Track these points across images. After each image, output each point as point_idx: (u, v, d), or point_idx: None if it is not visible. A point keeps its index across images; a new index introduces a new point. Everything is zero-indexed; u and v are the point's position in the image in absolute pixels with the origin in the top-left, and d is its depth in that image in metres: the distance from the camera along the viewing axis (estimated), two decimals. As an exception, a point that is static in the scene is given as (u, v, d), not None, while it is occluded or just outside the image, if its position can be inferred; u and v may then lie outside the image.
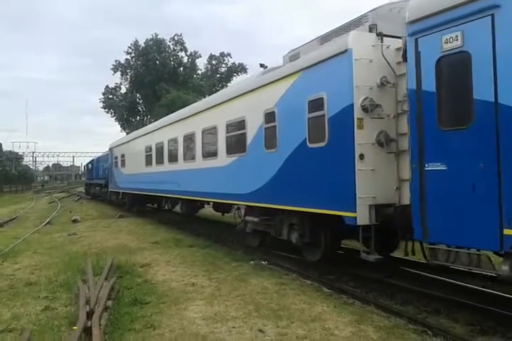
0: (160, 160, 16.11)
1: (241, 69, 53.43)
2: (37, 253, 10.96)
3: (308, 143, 7.66)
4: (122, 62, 53.49)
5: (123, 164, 22.39)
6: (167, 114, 19.79)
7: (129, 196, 22.01)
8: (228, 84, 50.81)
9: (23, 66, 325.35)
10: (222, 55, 54.12)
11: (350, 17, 7.87)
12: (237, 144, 10.32)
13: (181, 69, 53.11)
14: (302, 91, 7.81)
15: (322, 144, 7.31)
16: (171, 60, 52.36)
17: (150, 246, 11.77)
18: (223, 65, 54.43)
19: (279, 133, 8.52)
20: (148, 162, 17.50)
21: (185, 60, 54.08)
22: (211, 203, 14.65)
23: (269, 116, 8.82)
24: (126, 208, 22.92)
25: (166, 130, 15.89)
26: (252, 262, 9.35)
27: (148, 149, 17.58)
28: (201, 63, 55.39)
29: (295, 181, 8.09)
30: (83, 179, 76.54)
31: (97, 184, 34.76)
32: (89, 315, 5.60)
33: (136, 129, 26.74)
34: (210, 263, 9.37)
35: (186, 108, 16.45)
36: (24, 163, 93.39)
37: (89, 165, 40.97)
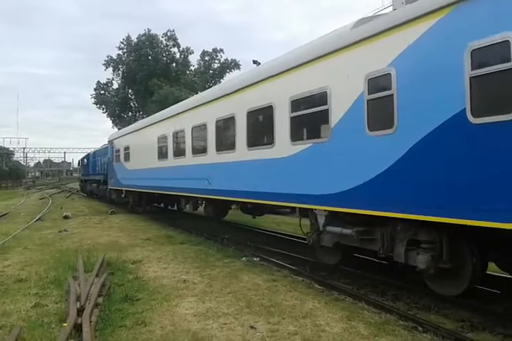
0: (180, 152, 13.50)
1: (234, 65, 53.13)
2: (27, 250, 10.87)
3: (469, 116, 5.00)
4: (114, 57, 53.09)
5: (127, 158, 19.63)
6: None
7: (135, 194, 19.49)
8: (221, 80, 50.58)
9: (15, 60, 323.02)
10: (214, 50, 53.72)
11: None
12: (310, 126, 7.97)
13: (174, 65, 52.72)
14: (455, 36, 5.27)
15: (509, 117, 4.67)
16: (164, 56, 51.94)
17: (142, 243, 11.74)
18: (216, 61, 54.12)
19: (400, 106, 5.89)
20: (163, 155, 14.93)
21: (177, 55, 53.75)
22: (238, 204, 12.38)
23: (378, 82, 6.28)
24: (130, 208, 20.54)
25: (187, 116, 13.18)
26: (243, 258, 9.37)
27: (163, 139, 14.92)
28: (194, 59, 55.17)
29: (437, 177, 5.40)
30: (75, 175, 75.85)
31: (93, 180, 31.69)
32: (80, 311, 5.58)
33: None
34: (202, 259, 9.38)
35: (216, 86, 14.10)
36: (15, 158, 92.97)
37: (85, 159, 38.22)
